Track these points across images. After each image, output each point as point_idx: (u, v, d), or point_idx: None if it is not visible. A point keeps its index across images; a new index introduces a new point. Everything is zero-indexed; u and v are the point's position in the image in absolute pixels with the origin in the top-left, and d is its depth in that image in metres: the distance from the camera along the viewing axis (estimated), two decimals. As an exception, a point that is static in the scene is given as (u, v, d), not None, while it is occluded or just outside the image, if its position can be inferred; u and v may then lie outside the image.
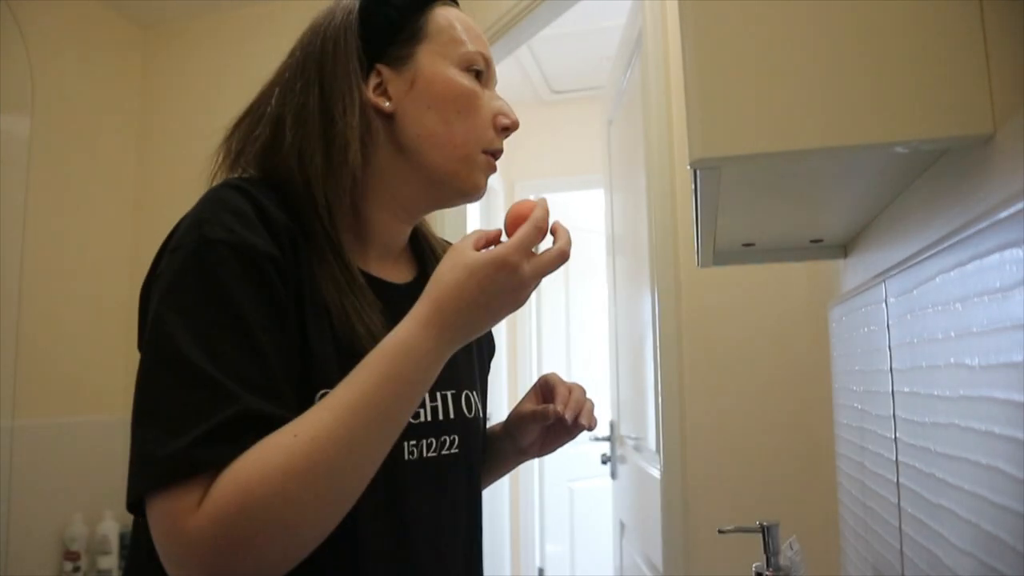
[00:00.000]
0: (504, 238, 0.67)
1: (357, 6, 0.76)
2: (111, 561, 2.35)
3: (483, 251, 0.64)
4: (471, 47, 0.76)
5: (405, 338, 0.62)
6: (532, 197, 0.72)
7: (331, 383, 0.63)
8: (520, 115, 0.81)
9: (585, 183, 3.62)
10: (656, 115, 1.82)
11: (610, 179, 2.61)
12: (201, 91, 2.73)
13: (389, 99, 0.75)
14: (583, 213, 3.84)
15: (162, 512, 0.55)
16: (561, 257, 0.66)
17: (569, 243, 0.67)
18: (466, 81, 0.75)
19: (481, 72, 0.77)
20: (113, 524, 2.38)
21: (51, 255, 2.40)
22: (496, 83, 0.81)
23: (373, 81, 0.75)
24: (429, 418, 0.75)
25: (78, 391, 2.46)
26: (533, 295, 2.86)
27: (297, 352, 0.64)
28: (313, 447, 0.56)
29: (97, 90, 2.62)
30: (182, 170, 2.64)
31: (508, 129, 0.78)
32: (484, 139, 0.76)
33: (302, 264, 0.66)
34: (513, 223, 0.67)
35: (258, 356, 0.59)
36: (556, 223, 0.68)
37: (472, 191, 0.77)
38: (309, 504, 0.56)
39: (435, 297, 0.63)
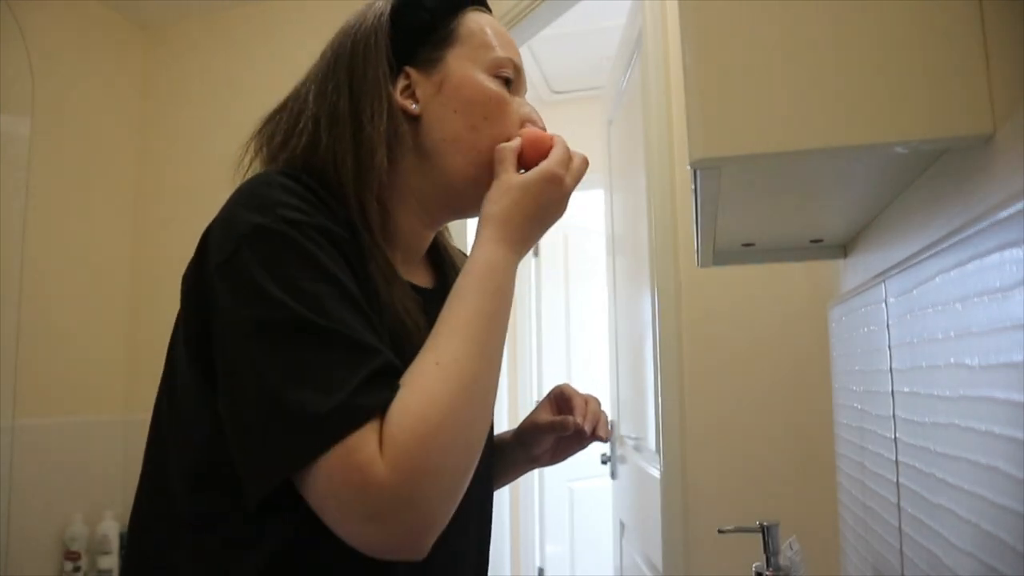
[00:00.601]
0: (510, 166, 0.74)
1: (388, 8, 0.75)
2: (111, 561, 2.35)
3: (531, 171, 0.71)
4: (501, 53, 0.76)
5: (488, 257, 0.67)
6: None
7: None
8: (520, 115, 0.80)
9: (585, 183, 3.60)
10: (656, 115, 1.82)
11: (610, 179, 2.61)
12: (201, 91, 2.73)
13: (416, 102, 0.74)
14: (583, 213, 3.84)
15: (345, 469, 0.53)
16: (586, 163, 0.75)
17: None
18: (494, 86, 0.75)
19: (510, 79, 0.77)
20: (113, 524, 2.38)
21: (51, 255, 2.40)
22: (526, 91, 0.80)
23: (401, 83, 0.74)
24: None
25: (78, 391, 2.46)
26: (533, 295, 2.88)
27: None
28: (458, 367, 0.59)
29: (97, 90, 2.62)
30: (182, 170, 2.65)
31: None
32: None
33: (361, 255, 0.67)
34: (532, 148, 0.73)
35: (370, 322, 0.60)
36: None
37: None
38: (473, 418, 0.59)
39: (497, 217, 0.69)
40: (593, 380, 3.38)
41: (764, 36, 0.60)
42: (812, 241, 1.10)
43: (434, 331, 0.63)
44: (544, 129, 0.78)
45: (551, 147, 0.73)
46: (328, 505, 0.55)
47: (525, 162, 0.73)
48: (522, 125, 0.76)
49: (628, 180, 2.21)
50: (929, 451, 0.69)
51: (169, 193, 2.68)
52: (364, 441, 0.54)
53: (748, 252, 1.12)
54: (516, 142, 0.73)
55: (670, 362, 1.77)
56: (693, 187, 0.73)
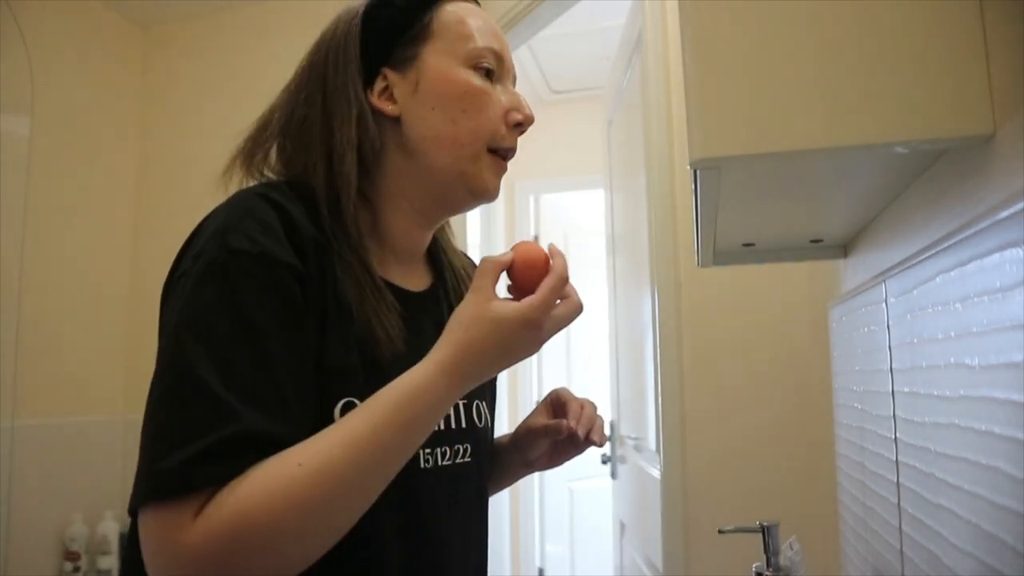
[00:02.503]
0: (506, 281, 0.67)
1: (361, 11, 0.75)
2: (111, 561, 2.35)
3: (509, 305, 0.63)
4: (480, 43, 0.74)
5: (423, 382, 0.61)
6: (534, 239, 0.73)
7: (353, 391, 0.64)
8: (520, 114, 0.79)
9: (585, 183, 3.62)
10: (656, 115, 1.82)
11: (610, 179, 2.61)
12: (201, 91, 2.73)
13: (395, 102, 0.74)
14: (583, 213, 3.84)
15: (155, 524, 0.55)
16: (578, 310, 0.68)
17: (579, 299, 0.68)
18: (472, 78, 0.74)
19: (491, 69, 0.75)
20: (113, 524, 2.38)
21: (51, 255, 2.40)
22: (515, 78, 0.79)
23: (380, 85, 0.74)
24: (443, 427, 0.74)
25: (78, 391, 2.46)
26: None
27: (313, 365, 0.63)
28: (315, 479, 0.56)
29: (97, 90, 2.62)
30: (182, 170, 2.65)
31: (521, 124, 0.76)
32: (495, 136, 0.74)
33: (327, 273, 0.66)
34: (526, 267, 0.66)
35: (270, 372, 0.59)
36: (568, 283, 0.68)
37: (482, 192, 0.76)
38: (301, 534, 0.56)
39: (459, 347, 0.62)
40: (593, 380, 3.37)
41: (764, 36, 0.60)
42: (812, 241, 1.10)
43: (328, 429, 0.59)
44: (528, 116, 0.76)
45: (545, 271, 0.66)
46: (143, 551, 0.56)
47: (514, 276, 0.67)
48: (506, 114, 0.75)
49: (628, 180, 2.21)
50: (929, 451, 0.69)
51: (169, 193, 2.68)
52: (182, 506, 0.54)
53: (748, 252, 1.11)
54: (507, 256, 0.67)
55: (670, 362, 1.77)
56: (693, 187, 0.73)
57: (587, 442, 0.83)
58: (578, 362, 3.83)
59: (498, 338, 0.63)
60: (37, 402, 2.29)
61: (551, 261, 0.66)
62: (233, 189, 0.72)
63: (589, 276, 3.87)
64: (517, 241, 0.71)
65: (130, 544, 0.70)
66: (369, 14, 0.75)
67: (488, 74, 0.75)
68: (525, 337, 0.64)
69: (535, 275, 0.66)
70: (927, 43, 0.56)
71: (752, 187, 0.76)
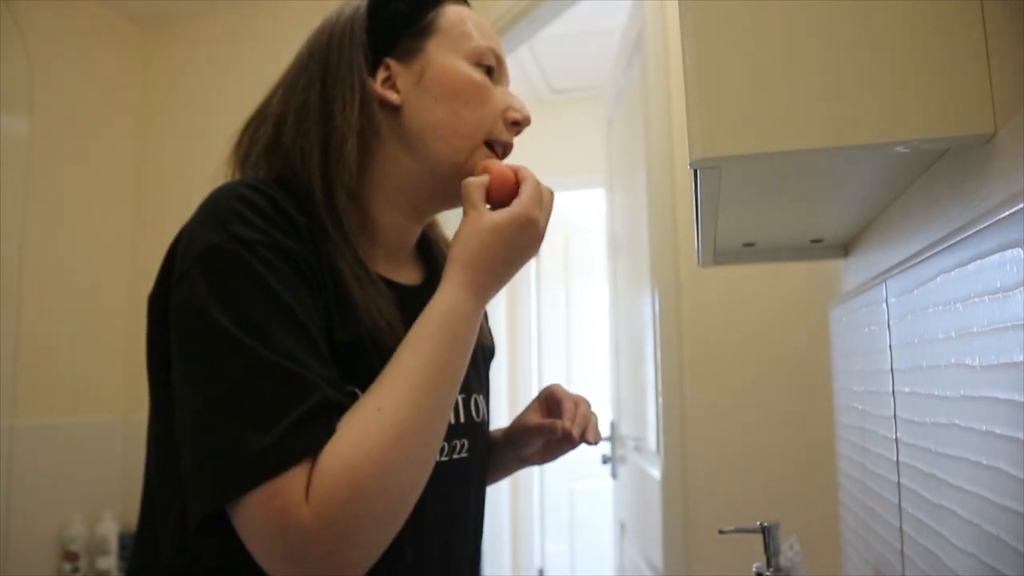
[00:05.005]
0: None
1: (366, 2, 0.75)
2: (110, 562, 2.35)
3: (502, 211, 0.68)
4: (482, 42, 0.76)
5: (451, 302, 0.65)
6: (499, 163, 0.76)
7: (355, 379, 0.64)
8: (519, 114, 0.80)
9: (585, 183, 3.62)
10: (656, 115, 1.82)
11: (610, 179, 2.61)
12: (201, 91, 2.73)
13: (397, 92, 0.74)
14: (583, 213, 3.84)
15: (268, 509, 0.53)
16: (552, 195, 0.74)
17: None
18: (475, 74, 0.75)
19: (492, 68, 0.77)
20: (112, 525, 2.37)
21: (51, 255, 2.40)
22: (508, 81, 0.81)
23: (381, 75, 0.74)
24: None
25: (78, 391, 2.46)
26: (533, 295, 2.87)
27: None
28: (399, 416, 0.58)
29: (97, 90, 2.62)
30: (182, 170, 2.65)
31: (519, 124, 0.78)
32: (493, 130, 0.76)
33: (323, 263, 0.66)
34: (500, 180, 0.71)
35: (316, 350, 0.60)
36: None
37: None
38: (408, 470, 0.59)
39: (466, 260, 0.67)
40: (593, 380, 3.38)
41: (764, 36, 0.60)
42: (813, 241, 1.09)
43: (383, 373, 0.62)
44: (527, 117, 0.78)
45: (517, 182, 0.71)
46: (250, 540, 0.55)
47: (491, 198, 0.71)
48: (505, 111, 0.76)
49: (628, 180, 2.21)
50: (930, 451, 0.69)
51: (168, 193, 2.68)
52: (291, 484, 0.53)
53: (749, 252, 1.11)
54: (484, 178, 0.71)
55: (670, 362, 1.77)
56: (693, 187, 0.73)
57: (581, 440, 0.83)
58: (578, 362, 3.83)
59: (500, 242, 0.67)
60: (36, 402, 2.29)
61: (518, 173, 0.72)
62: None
63: (589, 276, 3.88)
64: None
65: (139, 546, 0.69)
66: (375, 4, 0.75)
67: (489, 72, 0.77)
68: (525, 235, 0.69)
69: (509, 184, 0.71)
70: (928, 42, 0.56)
71: (752, 187, 0.75)
